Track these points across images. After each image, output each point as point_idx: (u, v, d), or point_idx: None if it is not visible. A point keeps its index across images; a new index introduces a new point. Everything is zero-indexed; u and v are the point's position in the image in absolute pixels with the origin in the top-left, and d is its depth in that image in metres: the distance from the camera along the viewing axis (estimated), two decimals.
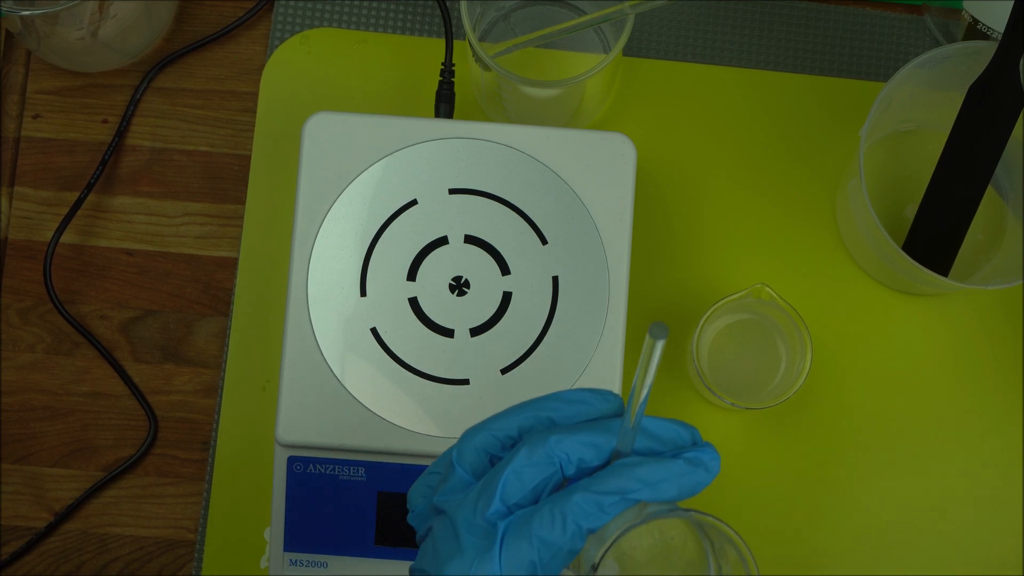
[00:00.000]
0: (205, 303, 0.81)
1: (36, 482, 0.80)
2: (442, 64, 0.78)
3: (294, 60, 0.82)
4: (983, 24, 0.75)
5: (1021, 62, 0.70)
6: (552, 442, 0.50)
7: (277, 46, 0.82)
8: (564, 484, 0.51)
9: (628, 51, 0.82)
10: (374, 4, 0.82)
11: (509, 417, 0.53)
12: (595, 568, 0.48)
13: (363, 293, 0.71)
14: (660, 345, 0.46)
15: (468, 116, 0.80)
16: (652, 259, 0.79)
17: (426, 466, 0.70)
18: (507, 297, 0.71)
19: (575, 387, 0.70)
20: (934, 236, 0.75)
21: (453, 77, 0.77)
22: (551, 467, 0.50)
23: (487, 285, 0.71)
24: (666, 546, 0.52)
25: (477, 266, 0.71)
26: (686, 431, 0.51)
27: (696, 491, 0.51)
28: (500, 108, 0.79)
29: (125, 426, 0.80)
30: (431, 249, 0.71)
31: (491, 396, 0.70)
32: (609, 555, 0.49)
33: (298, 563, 0.71)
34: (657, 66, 0.82)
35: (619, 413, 0.53)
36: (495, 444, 0.52)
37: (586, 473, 0.50)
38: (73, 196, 0.81)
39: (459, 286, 0.71)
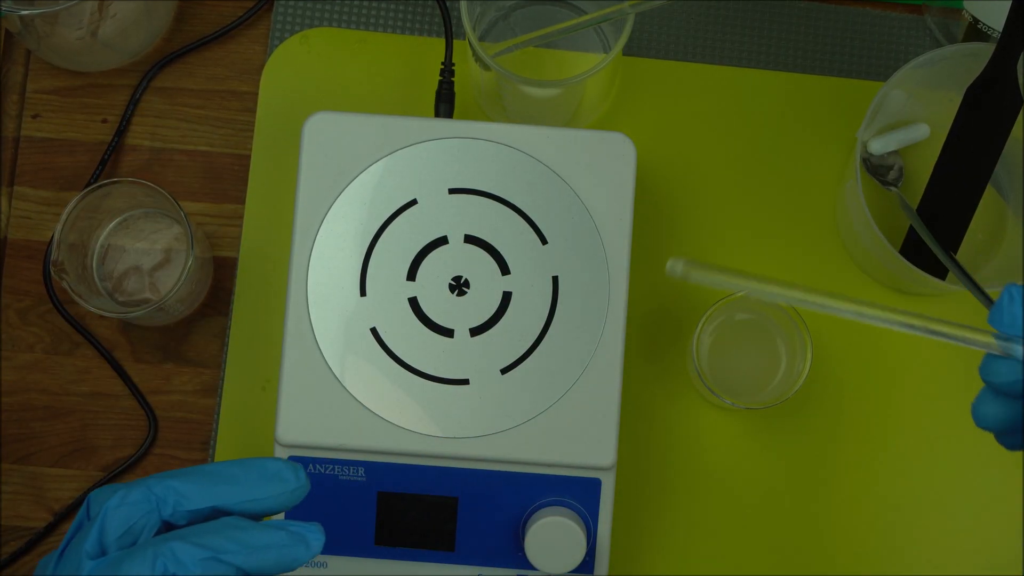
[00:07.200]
0: (205, 303, 0.81)
1: (36, 482, 0.79)
2: (442, 64, 0.78)
3: (294, 60, 0.82)
4: (983, 24, 0.75)
5: (1019, 62, 0.70)
6: (151, 481, 0.49)
7: (277, 46, 0.82)
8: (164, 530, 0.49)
9: (628, 51, 0.82)
10: (374, 4, 0.82)
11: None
12: None
13: (363, 293, 0.71)
14: None
15: (468, 116, 0.80)
16: (652, 259, 0.79)
17: (426, 465, 0.71)
18: (507, 297, 0.71)
19: (576, 384, 0.70)
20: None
21: (453, 77, 0.77)
22: (148, 504, 0.48)
23: (487, 285, 0.71)
24: None
25: (477, 266, 0.71)
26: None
27: (292, 567, 0.49)
28: (500, 108, 0.79)
29: (125, 426, 0.80)
30: (431, 249, 0.71)
31: (491, 396, 0.70)
32: None
33: None
34: (657, 66, 0.82)
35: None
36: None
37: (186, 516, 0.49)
38: (73, 196, 0.81)
39: (459, 286, 0.71)
